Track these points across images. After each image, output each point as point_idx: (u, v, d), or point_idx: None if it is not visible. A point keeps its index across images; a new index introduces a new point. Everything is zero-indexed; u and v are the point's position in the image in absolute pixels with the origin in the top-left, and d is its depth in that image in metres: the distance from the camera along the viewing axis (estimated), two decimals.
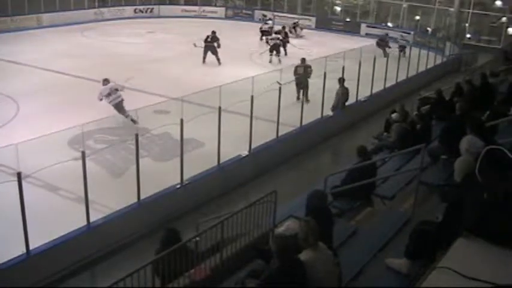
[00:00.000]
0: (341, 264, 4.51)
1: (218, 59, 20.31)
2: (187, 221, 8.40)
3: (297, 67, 15.33)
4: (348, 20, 31.49)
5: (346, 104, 14.28)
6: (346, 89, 14.00)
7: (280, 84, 11.41)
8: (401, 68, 17.12)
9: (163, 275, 5.30)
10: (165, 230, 6.06)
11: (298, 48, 22.18)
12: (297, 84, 15.05)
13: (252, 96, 10.30)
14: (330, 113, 13.71)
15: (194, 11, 34.23)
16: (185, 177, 9.37)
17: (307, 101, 14.55)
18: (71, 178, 8.73)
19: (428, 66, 19.85)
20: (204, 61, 20.48)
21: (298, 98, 14.90)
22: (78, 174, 7.74)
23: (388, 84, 16.41)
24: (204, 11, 34.29)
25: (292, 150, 11.93)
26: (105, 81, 13.05)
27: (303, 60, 15.68)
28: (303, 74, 15.00)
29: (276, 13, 32.12)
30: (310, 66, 15.22)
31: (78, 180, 7.79)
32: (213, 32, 20.57)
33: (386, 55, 19.44)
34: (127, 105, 12.73)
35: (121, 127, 11.37)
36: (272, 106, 11.36)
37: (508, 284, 2.52)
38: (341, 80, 13.91)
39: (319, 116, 13.15)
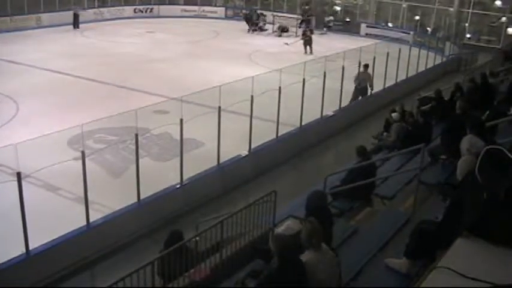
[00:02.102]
0: (341, 264, 4.50)
1: (254, 30, 29.31)
2: (187, 221, 8.41)
3: (305, 31, 24.75)
4: (347, 20, 31.46)
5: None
6: (368, 74, 14.94)
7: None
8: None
9: (164, 275, 5.31)
10: (169, 232, 6.05)
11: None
12: (305, 42, 23.52)
13: (252, 96, 10.30)
14: (330, 113, 13.70)
15: (194, 11, 34.23)
16: (185, 177, 9.37)
17: (312, 53, 22.39)
18: (70, 178, 8.74)
19: (428, 66, 19.85)
20: (248, 31, 29.41)
21: (305, 52, 22.89)
22: (78, 174, 7.75)
23: (388, 84, 16.41)
24: (204, 11, 34.29)
25: (292, 150, 11.93)
26: None
27: (307, 26, 26.90)
28: (310, 35, 23.99)
29: (275, 13, 32.11)
30: (312, 29, 25.58)
31: (78, 180, 7.80)
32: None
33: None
34: (126, 106, 12.68)
35: (121, 127, 11.34)
36: (272, 106, 11.36)
37: (508, 284, 2.51)
38: (365, 66, 14.73)
39: (319, 116, 13.15)
